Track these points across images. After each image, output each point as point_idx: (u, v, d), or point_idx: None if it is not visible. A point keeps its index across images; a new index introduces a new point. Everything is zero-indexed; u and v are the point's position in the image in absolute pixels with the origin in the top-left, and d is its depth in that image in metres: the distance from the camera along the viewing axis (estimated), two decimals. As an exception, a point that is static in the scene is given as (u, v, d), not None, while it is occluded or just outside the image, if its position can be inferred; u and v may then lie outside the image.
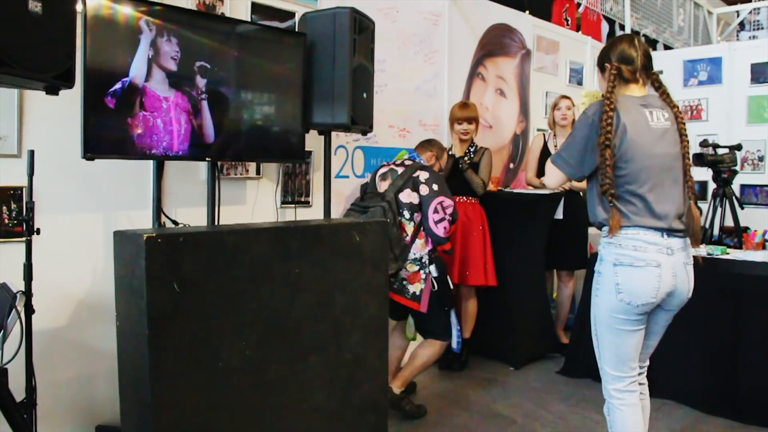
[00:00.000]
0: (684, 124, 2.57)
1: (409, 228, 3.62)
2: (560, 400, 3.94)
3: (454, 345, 3.79)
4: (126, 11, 2.62)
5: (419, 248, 3.62)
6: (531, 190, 4.87)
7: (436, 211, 3.63)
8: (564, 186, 4.69)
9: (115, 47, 2.61)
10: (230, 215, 3.36)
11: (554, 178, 2.61)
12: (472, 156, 4.49)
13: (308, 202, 3.88)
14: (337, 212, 3.92)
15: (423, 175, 3.67)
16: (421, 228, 3.64)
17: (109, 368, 2.65)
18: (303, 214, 3.82)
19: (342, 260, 2.71)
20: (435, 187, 3.65)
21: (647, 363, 2.72)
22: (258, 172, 3.61)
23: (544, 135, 5.06)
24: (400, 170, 3.73)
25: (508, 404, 3.87)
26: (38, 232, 2.42)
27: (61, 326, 2.86)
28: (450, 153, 4.54)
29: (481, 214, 4.52)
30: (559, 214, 4.73)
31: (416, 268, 3.61)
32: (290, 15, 3.71)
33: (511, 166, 5.62)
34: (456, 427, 3.55)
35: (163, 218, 3.02)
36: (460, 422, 3.60)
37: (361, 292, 2.79)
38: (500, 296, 4.57)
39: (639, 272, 2.43)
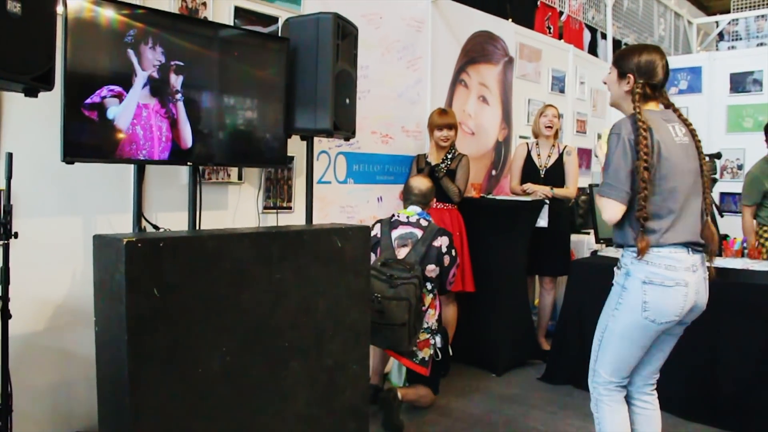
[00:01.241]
0: (700, 141, 2.60)
1: (428, 299, 3.76)
2: (541, 407, 3.95)
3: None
4: (108, 14, 2.59)
5: (431, 317, 3.76)
6: (513, 197, 4.89)
7: (453, 275, 3.90)
8: (547, 194, 4.73)
9: (97, 50, 2.58)
10: (211, 220, 3.34)
11: (612, 211, 2.49)
12: (449, 163, 4.50)
13: (290, 208, 3.87)
14: (319, 218, 3.91)
15: (444, 243, 3.81)
16: (434, 297, 3.81)
17: (88, 374, 2.62)
18: (285, 220, 3.81)
19: (323, 266, 2.70)
20: (453, 252, 3.85)
21: (658, 375, 2.76)
22: (240, 177, 3.59)
23: (527, 144, 5.09)
24: (418, 233, 3.80)
25: (489, 411, 3.87)
26: (16, 235, 2.39)
27: (38, 331, 2.82)
28: (427, 161, 4.55)
29: (458, 220, 4.55)
30: (544, 222, 4.75)
31: (427, 335, 3.73)
32: (273, 20, 3.70)
33: (494, 173, 5.64)
34: (437, 433, 3.54)
35: (144, 223, 3.00)
36: (441, 429, 3.60)
37: (342, 297, 2.78)
38: (482, 303, 4.58)
39: (669, 291, 2.45)
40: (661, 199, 2.46)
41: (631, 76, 2.57)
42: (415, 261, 3.68)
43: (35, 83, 2.09)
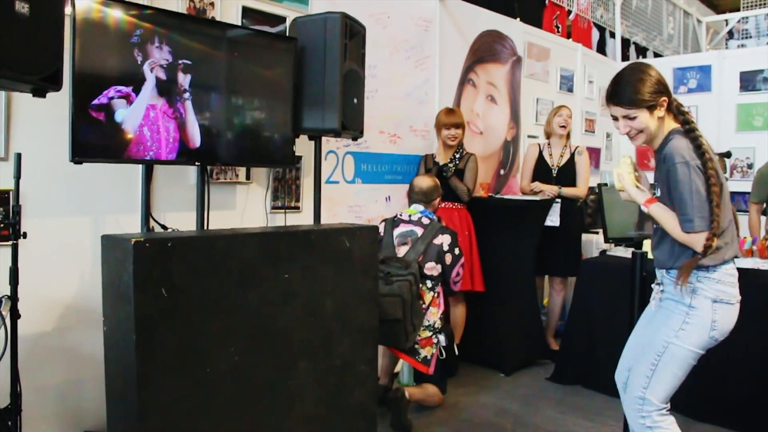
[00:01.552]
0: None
1: (428, 297, 3.75)
2: (550, 407, 3.93)
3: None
4: (116, 15, 2.59)
5: (432, 315, 3.74)
6: (521, 197, 4.88)
7: (458, 274, 3.87)
8: (554, 193, 4.72)
9: (105, 50, 2.59)
10: (220, 220, 3.34)
11: (702, 242, 2.33)
12: (457, 162, 4.50)
13: (298, 208, 3.87)
14: (327, 218, 3.91)
15: (446, 242, 3.80)
16: (436, 295, 3.78)
17: (97, 374, 2.62)
18: (293, 220, 3.80)
19: (332, 266, 2.69)
20: (456, 251, 3.83)
21: None
22: (248, 176, 3.59)
23: (539, 144, 5.07)
24: (419, 231, 3.81)
25: (497, 411, 3.86)
26: (25, 235, 2.40)
27: (47, 331, 2.83)
28: (435, 160, 4.54)
29: (467, 219, 4.54)
30: (556, 222, 4.75)
31: (429, 333, 3.73)
32: (281, 20, 3.70)
33: (502, 172, 5.63)
34: (446, 433, 3.54)
35: (152, 223, 3.00)
36: (449, 429, 3.59)
37: (350, 297, 2.78)
38: (490, 302, 4.57)
39: (732, 309, 2.43)
40: (725, 216, 2.40)
41: (664, 99, 2.41)
42: (413, 259, 3.68)
43: (43, 83, 2.09)
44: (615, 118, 2.51)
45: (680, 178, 2.33)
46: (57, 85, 2.15)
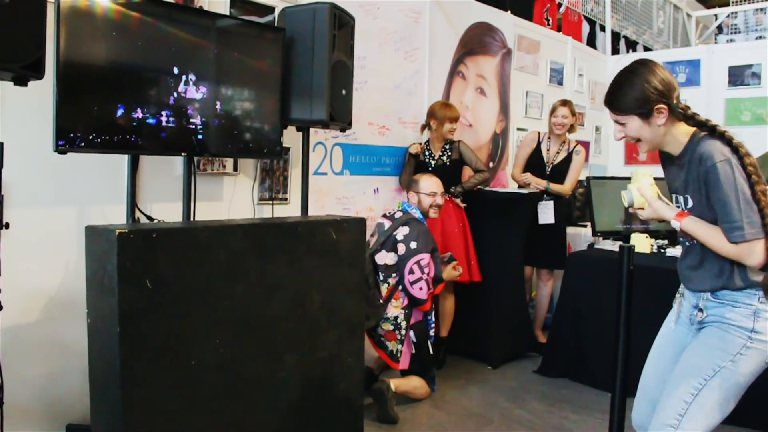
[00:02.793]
0: None
1: (383, 289, 3.71)
2: (537, 400, 3.94)
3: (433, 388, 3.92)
4: (103, 3, 2.56)
5: (393, 308, 3.70)
6: (509, 189, 4.88)
7: (411, 271, 3.68)
8: (541, 186, 4.73)
9: (91, 39, 2.55)
10: (206, 211, 3.31)
11: (761, 251, 2.02)
12: (450, 153, 4.53)
13: (286, 199, 3.85)
14: (315, 209, 3.89)
15: (402, 233, 3.74)
16: (398, 288, 3.71)
17: (80, 366, 2.60)
18: (280, 211, 3.79)
19: (318, 258, 2.68)
20: (413, 245, 3.69)
21: None
22: (235, 168, 3.56)
23: (539, 134, 5.03)
24: (387, 225, 3.81)
25: (485, 403, 3.86)
26: (7, 226, 2.36)
27: (30, 322, 2.80)
28: (427, 159, 4.53)
29: (460, 211, 4.55)
30: (550, 219, 4.77)
31: (391, 327, 3.70)
32: (270, 10, 3.67)
33: (491, 165, 5.62)
34: (432, 426, 3.53)
35: (138, 213, 2.97)
36: (436, 421, 3.59)
37: (337, 290, 2.77)
38: (479, 295, 4.57)
39: None
40: None
41: (661, 106, 2.11)
42: (370, 250, 3.71)
43: (24, 72, 2.06)
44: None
45: (722, 178, 2.03)
46: (39, 74, 2.12)
